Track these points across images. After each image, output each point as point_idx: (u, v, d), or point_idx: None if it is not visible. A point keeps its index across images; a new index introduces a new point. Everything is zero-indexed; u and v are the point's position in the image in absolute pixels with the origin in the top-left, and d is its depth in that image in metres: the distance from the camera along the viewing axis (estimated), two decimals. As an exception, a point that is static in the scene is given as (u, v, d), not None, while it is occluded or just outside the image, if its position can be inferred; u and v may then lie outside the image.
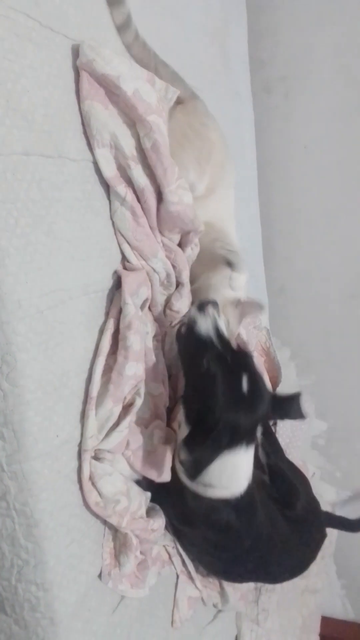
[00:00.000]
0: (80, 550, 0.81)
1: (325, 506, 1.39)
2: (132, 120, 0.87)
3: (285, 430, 1.54)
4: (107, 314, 0.89)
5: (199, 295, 1.08)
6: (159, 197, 0.93)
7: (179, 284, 1.04)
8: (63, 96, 0.79)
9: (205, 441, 0.81)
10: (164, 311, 1.05)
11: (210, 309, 0.90)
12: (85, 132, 0.84)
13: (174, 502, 0.97)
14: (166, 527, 1.01)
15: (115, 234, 0.91)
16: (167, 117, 0.95)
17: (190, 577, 1.11)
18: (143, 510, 0.92)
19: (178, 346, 0.97)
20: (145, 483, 0.95)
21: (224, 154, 1.11)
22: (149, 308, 1.00)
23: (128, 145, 0.87)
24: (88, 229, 0.84)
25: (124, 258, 0.93)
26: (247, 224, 1.66)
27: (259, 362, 1.42)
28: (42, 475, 0.74)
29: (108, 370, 0.85)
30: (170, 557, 1.06)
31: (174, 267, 1.02)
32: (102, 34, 0.89)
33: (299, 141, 1.86)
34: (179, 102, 1.02)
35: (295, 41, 1.83)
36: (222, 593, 1.20)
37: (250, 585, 1.32)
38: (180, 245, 1.04)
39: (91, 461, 0.82)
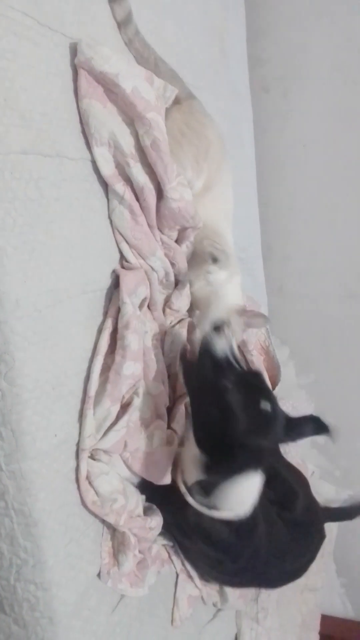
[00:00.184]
0: (79, 550, 0.81)
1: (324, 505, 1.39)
2: (131, 118, 0.87)
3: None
4: (105, 313, 0.88)
5: None
6: (159, 194, 0.93)
7: (178, 283, 1.04)
8: (61, 94, 0.79)
9: (221, 465, 0.78)
10: (164, 310, 1.05)
11: (226, 330, 0.88)
12: (83, 131, 0.84)
13: (175, 512, 0.96)
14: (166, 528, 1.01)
15: (114, 232, 0.91)
16: (164, 115, 0.95)
17: (190, 576, 1.11)
18: (140, 509, 0.92)
19: (183, 368, 0.95)
20: (148, 493, 0.94)
21: (221, 153, 1.11)
22: (148, 307, 1.00)
23: (127, 143, 0.87)
24: (86, 227, 0.84)
25: (123, 257, 0.93)
26: (246, 223, 1.66)
27: (259, 360, 1.41)
28: (40, 475, 0.73)
29: (106, 369, 0.85)
30: (169, 556, 1.06)
31: (172, 265, 1.01)
32: (100, 32, 0.89)
33: (298, 140, 1.86)
34: (176, 102, 1.02)
35: (294, 40, 1.83)
36: (222, 592, 1.20)
37: (250, 584, 1.32)
38: (176, 242, 1.04)
39: (88, 460, 0.82)
